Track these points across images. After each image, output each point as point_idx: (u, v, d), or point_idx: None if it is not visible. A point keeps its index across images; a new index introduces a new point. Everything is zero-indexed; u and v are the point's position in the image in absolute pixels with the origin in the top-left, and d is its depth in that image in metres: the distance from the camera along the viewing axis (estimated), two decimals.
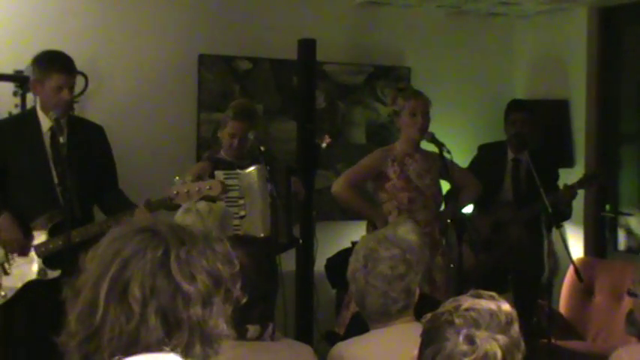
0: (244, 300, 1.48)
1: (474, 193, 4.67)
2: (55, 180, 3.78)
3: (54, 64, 3.81)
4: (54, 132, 3.78)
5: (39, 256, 3.77)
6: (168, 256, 1.37)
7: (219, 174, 4.27)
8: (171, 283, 1.36)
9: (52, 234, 3.77)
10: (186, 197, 3.65)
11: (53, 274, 3.73)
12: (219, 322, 1.40)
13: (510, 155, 5.18)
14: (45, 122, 3.83)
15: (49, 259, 3.75)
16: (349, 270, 2.61)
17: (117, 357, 1.33)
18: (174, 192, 3.67)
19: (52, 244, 3.74)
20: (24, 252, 3.77)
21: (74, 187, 3.65)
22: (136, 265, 1.36)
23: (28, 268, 3.77)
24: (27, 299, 3.75)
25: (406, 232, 2.69)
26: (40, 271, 3.75)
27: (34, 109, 3.93)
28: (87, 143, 3.93)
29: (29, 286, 3.75)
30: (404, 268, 2.52)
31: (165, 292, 1.35)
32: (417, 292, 2.57)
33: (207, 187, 3.69)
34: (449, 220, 4.56)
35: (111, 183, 4.06)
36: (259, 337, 2.35)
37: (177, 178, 3.73)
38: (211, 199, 3.72)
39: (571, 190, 4.91)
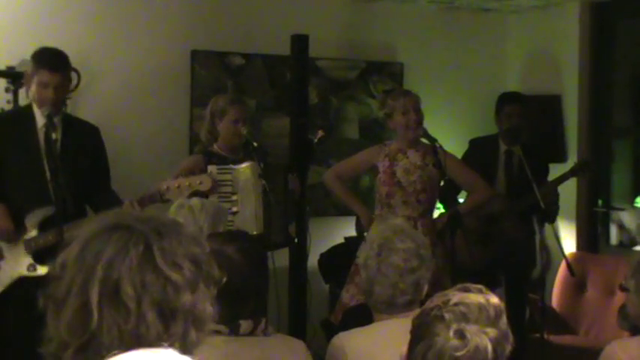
0: (224, 280, 1.49)
1: (480, 197, 4.62)
2: (48, 176, 3.78)
3: (42, 60, 3.83)
4: (48, 129, 3.78)
5: (28, 251, 3.76)
6: (150, 250, 1.37)
7: (213, 168, 4.27)
8: (160, 275, 1.36)
9: (42, 229, 3.77)
10: (177, 192, 3.68)
11: (43, 269, 3.73)
12: (207, 305, 1.41)
13: (503, 148, 5.18)
14: (40, 118, 3.84)
15: (38, 254, 3.76)
16: (361, 256, 2.62)
17: (114, 351, 1.32)
18: (165, 187, 3.71)
19: (42, 240, 3.74)
20: (11, 238, 3.77)
21: (66, 184, 3.65)
22: (121, 263, 1.35)
23: (18, 264, 3.77)
24: (16, 295, 3.74)
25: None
26: (30, 267, 3.75)
27: (30, 104, 3.93)
28: (81, 143, 3.95)
29: (19, 282, 3.76)
30: (417, 262, 2.54)
31: (155, 285, 1.35)
32: (425, 288, 2.58)
33: (198, 182, 3.72)
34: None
35: (103, 184, 4.07)
36: (252, 333, 2.34)
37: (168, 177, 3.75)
38: (203, 194, 3.73)
39: (551, 187, 4.89)
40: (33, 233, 3.78)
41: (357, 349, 2.47)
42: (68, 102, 4.79)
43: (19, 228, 3.78)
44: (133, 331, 1.33)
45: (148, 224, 1.41)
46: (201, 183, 3.72)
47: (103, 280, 1.34)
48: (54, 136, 3.69)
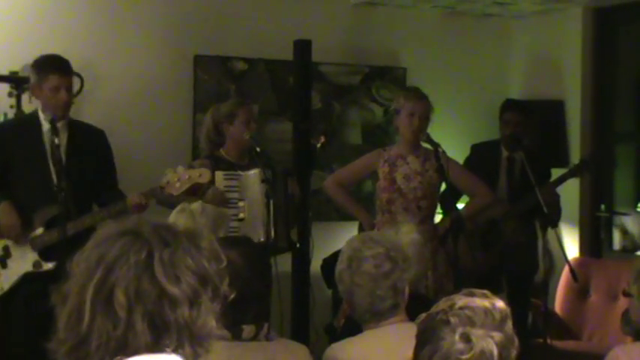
0: (232, 296, 1.47)
1: (482, 202, 4.60)
2: (55, 180, 3.84)
3: (50, 65, 3.93)
4: (54, 133, 3.86)
5: (34, 248, 3.87)
6: (151, 259, 1.35)
7: (220, 174, 4.28)
8: (156, 286, 1.34)
9: (47, 227, 3.86)
10: (177, 185, 3.72)
11: (48, 265, 3.85)
12: (208, 321, 1.38)
13: (504, 154, 5.18)
14: (46, 124, 3.93)
15: (44, 251, 3.86)
16: (336, 272, 2.62)
17: (118, 357, 1.32)
18: (166, 181, 3.76)
19: (47, 237, 3.84)
20: (20, 240, 3.88)
21: (69, 187, 3.69)
22: (120, 269, 1.34)
23: (24, 261, 3.88)
24: (24, 292, 3.86)
25: (407, 231, 2.70)
26: (36, 263, 3.86)
27: (36, 111, 4.03)
28: (86, 147, 4.03)
29: (26, 279, 3.87)
30: (389, 265, 2.52)
31: (150, 295, 1.33)
32: (407, 290, 2.57)
33: (198, 175, 3.77)
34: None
35: (110, 184, 4.15)
36: (254, 337, 2.35)
37: (168, 169, 3.80)
38: (202, 188, 3.77)
39: (550, 188, 4.89)
40: (39, 231, 3.89)
41: (351, 359, 2.46)
42: (71, 107, 4.79)
43: (27, 226, 3.89)
44: (121, 338, 1.32)
45: (159, 233, 1.39)
46: (200, 175, 3.77)
47: (98, 284, 1.34)
48: (57, 140, 3.75)
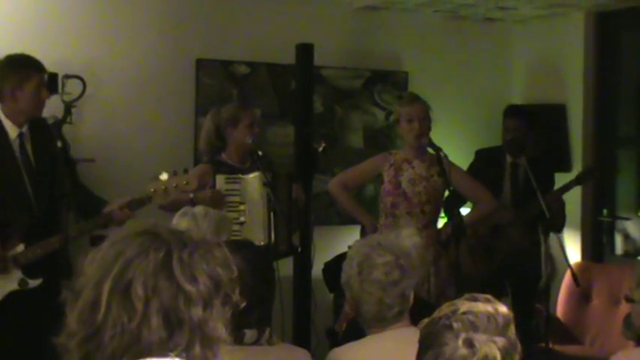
0: (243, 305, 1.49)
1: (486, 209, 4.60)
2: (29, 188, 3.71)
3: (32, 65, 3.74)
4: (22, 140, 3.73)
5: (18, 266, 3.63)
6: (170, 257, 1.39)
7: (221, 178, 4.28)
8: (173, 283, 1.37)
9: (28, 242, 3.64)
10: (164, 194, 3.64)
11: (35, 282, 3.64)
12: (219, 325, 1.41)
13: (508, 159, 5.18)
14: (12, 130, 3.73)
15: (28, 268, 3.63)
16: (343, 277, 2.62)
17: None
18: (152, 190, 3.65)
19: (30, 253, 3.62)
20: (4, 267, 3.62)
21: (49, 191, 3.60)
22: (138, 265, 1.37)
23: (9, 280, 3.63)
24: (11, 311, 3.62)
25: (408, 235, 2.70)
26: (21, 281, 3.63)
27: None
28: (50, 147, 3.84)
29: (12, 298, 3.63)
30: (398, 273, 2.53)
31: (167, 291, 1.36)
32: (412, 296, 2.58)
33: (184, 182, 3.65)
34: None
35: (74, 177, 3.99)
36: (256, 342, 2.35)
37: (154, 176, 3.70)
38: (188, 193, 3.72)
39: (555, 195, 4.90)
40: (20, 248, 3.64)
41: None
42: (73, 110, 4.80)
43: (4, 245, 3.63)
44: (135, 331, 1.34)
45: (176, 235, 1.43)
46: (187, 183, 3.66)
47: (116, 277, 1.37)
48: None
